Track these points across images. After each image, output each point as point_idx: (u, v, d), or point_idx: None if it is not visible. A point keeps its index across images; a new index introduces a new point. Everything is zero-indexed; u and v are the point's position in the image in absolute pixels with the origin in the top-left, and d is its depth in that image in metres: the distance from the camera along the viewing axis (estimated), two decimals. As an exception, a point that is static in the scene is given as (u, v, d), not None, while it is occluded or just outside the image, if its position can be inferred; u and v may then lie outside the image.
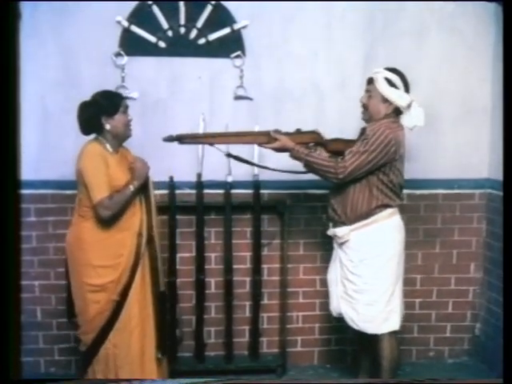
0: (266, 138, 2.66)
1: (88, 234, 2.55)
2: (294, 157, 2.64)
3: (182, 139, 2.64)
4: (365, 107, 2.67)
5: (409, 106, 2.59)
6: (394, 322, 2.66)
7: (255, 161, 3.04)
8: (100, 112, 2.55)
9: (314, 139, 2.72)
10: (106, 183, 2.50)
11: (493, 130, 3.25)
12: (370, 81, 2.64)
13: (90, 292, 2.54)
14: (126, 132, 2.62)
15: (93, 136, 2.61)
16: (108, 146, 2.58)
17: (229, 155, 2.81)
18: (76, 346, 3.16)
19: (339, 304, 2.73)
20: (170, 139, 2.61)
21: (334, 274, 2.77)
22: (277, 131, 2.67)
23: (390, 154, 2.54)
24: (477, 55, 3.25)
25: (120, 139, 2.62)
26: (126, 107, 2.60)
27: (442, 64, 3.24)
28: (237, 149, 2.84)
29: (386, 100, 2.60)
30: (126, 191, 2.52)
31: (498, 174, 3.10)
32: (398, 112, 2.64)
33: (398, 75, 2.61)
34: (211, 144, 2.71)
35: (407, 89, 2.62)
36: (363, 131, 2.66)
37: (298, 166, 2.71)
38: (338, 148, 2.67)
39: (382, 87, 2.58)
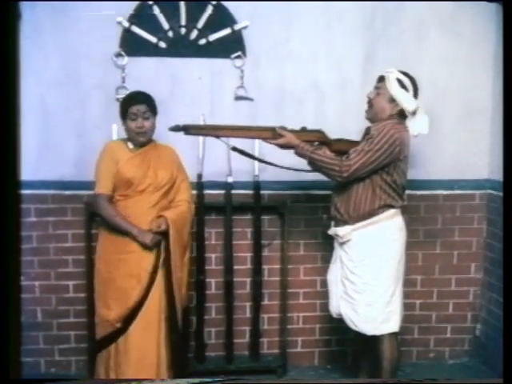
0: (271, 134, 2.65)
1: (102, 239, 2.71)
2: (299, 154, 2.63)
3: (187, 130, 2.64)
4: (370, 104, 2.67)
5: (414, 113, 2.60)
6: (393, 324, 2.66)
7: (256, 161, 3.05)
8: (119, 113, 2.65)
9: (319, 138, 2.72)
10: (110, 181, 2.58)
11: (493, 131, 3.25)
12: (381, 79, 2.64)
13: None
14: (135, 137, 2.63)
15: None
16: (129, 144, 2.66)
17: (234, 149, 2.78)
18: (76, 347, 3.19)
19: (339, 305, 2.72)
20: (176, 129, 2.61)
21: (334, 274, 2.77)
22: (282, 128, 2.66)
23: (395, 154, 2.54)
24: (477, 55, 3.25)
25: (133, 142, 2.65)
26: (136, 114, 2.58)
27: (442, 64, 3.24)
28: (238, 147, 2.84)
29: (393, 100, 2.60)
30: (120, 221, 2.56)
31: (498, 175, 3.10)
32: (402, 115, 2.64)
33: (410, 80, 2.61)
34: (217, 136, 2.70)
35: (416, 95, 2.62)
36: (368, 131, 2.66)
37: (300, 165, 2.72)
38: (341, 148, 2.66)
39: (393, 86, 2.58)
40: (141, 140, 2.64)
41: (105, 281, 2.63)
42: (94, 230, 3.00)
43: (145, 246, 2.56)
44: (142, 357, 2.59)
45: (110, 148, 2.65)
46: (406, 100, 2.59)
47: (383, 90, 2.61)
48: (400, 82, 2.59)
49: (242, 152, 2.79)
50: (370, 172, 2.55)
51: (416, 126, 2.61)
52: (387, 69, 2.65)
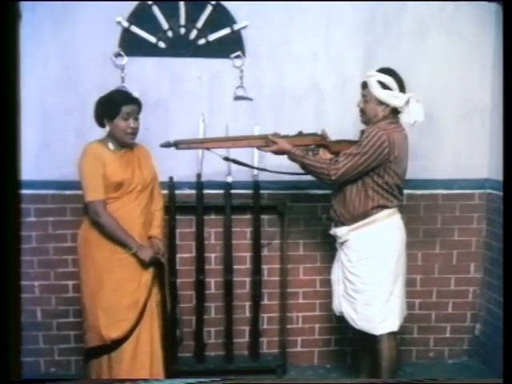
0: (263, 142, 2.69)
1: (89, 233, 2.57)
2: (292, 159, 2.67)
3: (179, 145, 2.65)
4: (362, 111, 2.67)
5: (407, 103, 2.59)
6: (392, 323, 2.65)
7: (255, 162, 3.06)
8: (103, 112, 2.54)
9: (316, 141, 2.73)
10: (102, 184, 2.47)
11: (492, 130, 3.25)
12: (364, 85, 2.64)
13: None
14: (124, 138, 2.53)
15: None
16: (110, 145, 2.55)
17: (226, 159, 2.83)
18: (76, 346, 3.19)
19: (341, 303, 2.74)
20: (167, 145, 2.63)
21: (336, 273, 2.78)
22: (275, 134, 2.68)
23: (383, 156, 2.53)
24: (477, 55, 3.25)
25: (120, 143, 2.56)
26: (129, 114, 2.50)
27: (442, 64, 3.24)
28: (237, 149, 2.84)
29: (381, 103, 2.59)
30: (121, 234, 2.48)
31: (497, 175, 3.11)
32: (396, 112, 2.64)
33: (391, 76, 2.59)
34: (208, 149, 2.73)
35: (402, 88, 2.60)
36: (362, 134, 2.67)
37: (298, 167, 2.72)
38: (341, 149, 2.65)
39: (376, 91, 2.58)
40: (129, 141, 2.56)
41: (95, 289, 2.51)
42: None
43: (143, 263, 2.52)
44: (135, 357, 2.54)
45: (93, 150, 2.51)
46: (393, 99, 2.58)
47: (369, 96, 2.61)
48: (381, 83, 2.57)
49: (234, 161, 2.84)
50: (360, 174, 2.57)
51: (411, 116, 2.60)
52: (368, 73, 2.64)
